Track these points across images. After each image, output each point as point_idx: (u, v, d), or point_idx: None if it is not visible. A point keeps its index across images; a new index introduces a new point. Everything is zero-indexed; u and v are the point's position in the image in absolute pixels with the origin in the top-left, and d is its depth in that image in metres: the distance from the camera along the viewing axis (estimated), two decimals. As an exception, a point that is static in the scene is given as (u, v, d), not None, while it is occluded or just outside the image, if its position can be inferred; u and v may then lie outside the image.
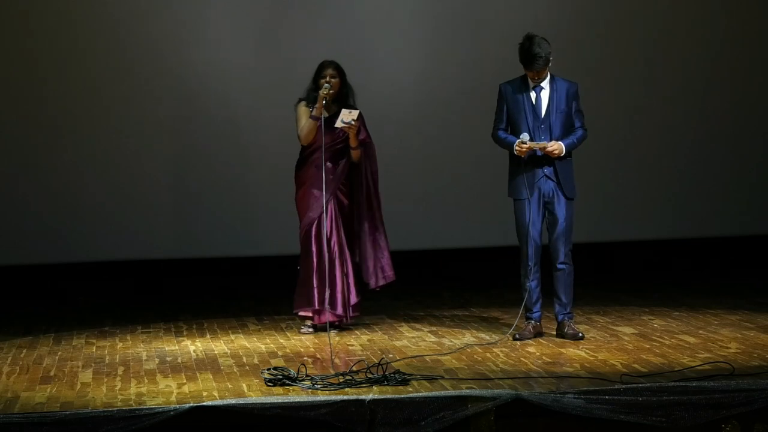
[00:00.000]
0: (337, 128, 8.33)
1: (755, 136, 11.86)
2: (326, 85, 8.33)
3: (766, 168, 11.88)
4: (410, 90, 11.23)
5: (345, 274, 8.45)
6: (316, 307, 8.40)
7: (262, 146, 11.02)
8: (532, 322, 8.08)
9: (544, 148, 7.85)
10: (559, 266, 8.01)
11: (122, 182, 10.92)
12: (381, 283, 8.61)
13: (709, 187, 11.78)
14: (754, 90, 11.84)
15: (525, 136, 7.87)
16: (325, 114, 8.41)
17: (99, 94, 10.87)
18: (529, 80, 7.97)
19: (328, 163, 8.43)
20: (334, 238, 8.45)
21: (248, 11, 11.07)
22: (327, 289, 8.34)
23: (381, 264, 8.60)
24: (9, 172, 10.76)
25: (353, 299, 8.50)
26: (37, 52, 10.78)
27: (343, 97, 8.46)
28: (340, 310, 8.40)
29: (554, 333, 8.07)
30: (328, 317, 8.33)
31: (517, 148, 7.89)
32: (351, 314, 8.52)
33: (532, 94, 7.96)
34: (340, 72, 8.45)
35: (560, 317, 8.06)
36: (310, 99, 8.47)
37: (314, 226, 8.47)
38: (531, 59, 7.83)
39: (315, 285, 8.39)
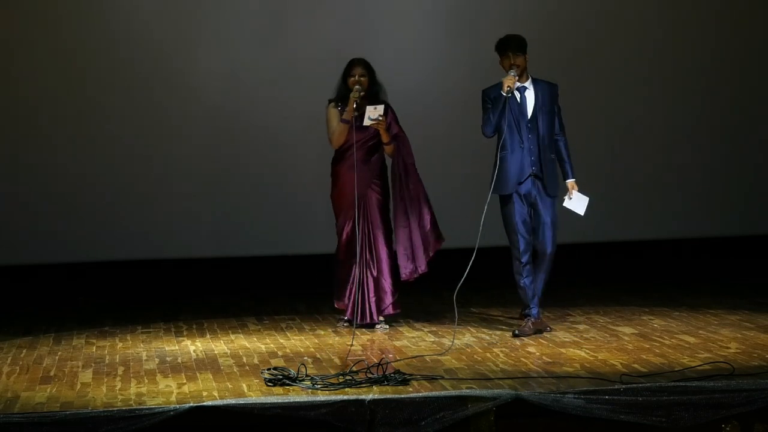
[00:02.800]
0: (366, 126, 8.34)
1: (756, 136, 11.86)
2: (357, 87, 8.34)
3: (766, 168, 11.88)
4: (415, 90, 11.22)
5: (375, 274, 8.49)
6: (346, 302, 8.54)
7: (263, 146, 11.01)
8: (531, 318, 8.14)
9: (574, 187, 8.24)
10: (542, 264, 8.17)
11: (122, 182, 10.92)
12: (411, 276, 8.63)
13: (710, 187, 11.78)
14: (755, 90, 11.83)
15: (512, 72, 8.01)
16: (355, 112, 8.41)
17: (98, 95, 10.87)
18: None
19: (362, 160, 8.44)
20: (365, 236, 8.48)
21: (253, 11, 11.06)
22: (354, 294, 8.42)
23: (413, 257, 8.60)
24: (9, 172, 10.76)
25: (389, 299, 8.55)
26: (36, 53, 10.79)
27: (373, 95, 8.44)
28: (367, 319, 8.49)
29: (553, 331, 8.16)
30: (358, 319, 8.43)
31: (507, 81, 7.97)
32: (378, 315, 8.55)
33: (517, 94, 8.08)
34: (369, 70, 8.46)
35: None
36: (340, 99, 8.47)
37: (348, 223, 8.50)
38: (504, 41, 8.09)
39: (347, 282, 8.48)
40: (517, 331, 8.10)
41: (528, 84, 8.12)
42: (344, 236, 8.57)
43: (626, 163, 11.65)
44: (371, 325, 8.52)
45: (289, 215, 10.97)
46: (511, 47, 8.07)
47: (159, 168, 10.99)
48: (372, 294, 8.51)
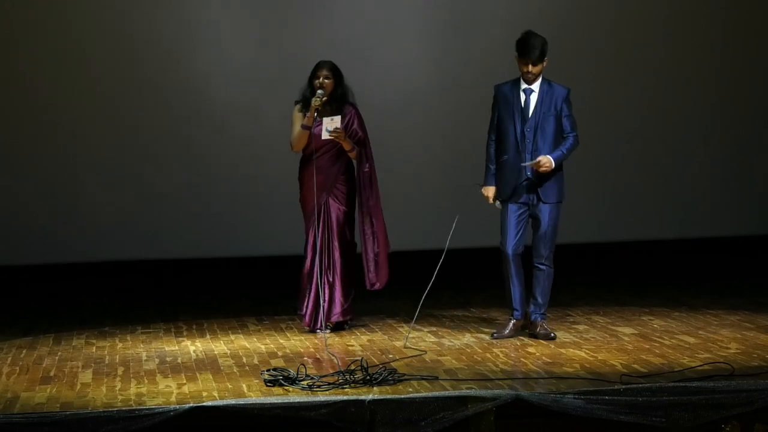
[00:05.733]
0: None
1: (756, 135, 11.86)
2: (319, 92, 8.22)
3: (766, 168, 11.88)
4: (413, 90, 11.23)
5: (329, 281, 8.40)
6: (302, 311, 8.47)
7: (262, 146, 11.02)
8: (513, 320, 8.12)
9: (537, 164, 7.90)
10: (539, 266, 8.04)
11: (122, 182, 10.93)
12: (372, 288, 8.53)
13: (710, 187, 11.78)
14: (756, 91, 11.84)
15: (498, 204, 8.10)
16: (317, 118, 8.30)
17: (99, 94, 10.88)
18: (522, 80, 7.99)
19: (325, 167, 8.36)
20: (322, 240, 8.38)
21: (251, 10, 11.07)
22: (311, 292, 8.36)
23: (369, 268, 8.50)
24: (9, 172, 10.76)
25: (338, 306, 8.42)
26: (37, 54, 10.79)
27: (338, 98, 8.34)
28: (318, 324, 8.37)
29: (553, 337, 8.11)
30: (308, 322, 8.39)
31: (484, 192, 8.15)
32: (341, 318, 8.45)
33: (522, 96, 8.00)
34: (335, 72, 8.33)
35: (533, 317, 8.08)
36: (305, 101, 8.37)
37: (311, 228, 8.44)
38: (526, 47, 7.90)
39: (306, 289, 8.43)
40: (495, 334, 8.10)
41: (535, 86, 7.98)
42: (306, 243, 8.46)
43: (627, 164, 11.65)
44: (339, 326, 8.46)
45: (289, 215, 10.96)
46: (530, 56, 7.88)
47: (159, 168, 11.00)
48: (326, 300, 8.39)
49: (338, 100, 8.34)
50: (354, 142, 8.39)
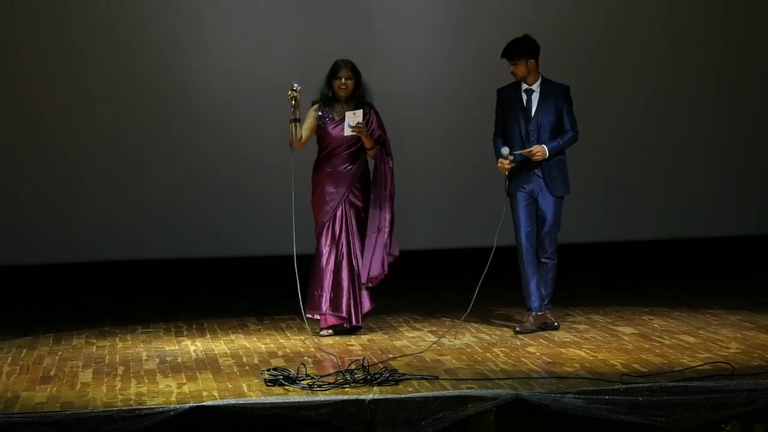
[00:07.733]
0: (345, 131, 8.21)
1: (756, 135, 11.86)
2: (292, 90, 8.09)
3: (766, 168, 11.88)
4: (416, 89, 11.23)
5: (353, 278, 8.32)
6: (323, 311, 8.29)
7: (262, 146, 11.02)
8: (532, 312, 8.21)
9: (529, 152, 8.05)
10: (543, 260, 8.21)
11: (122, 182, 10.93)
12: (365, 281, 8.37)
13: (710, 187, 11.79)
14: (756, 90, 11.83)
15: (505, 151, 8.08)
16: (335, 116, 8.26)
17: (99, 95, 10.88)
18: (522, 82, 8.15)
19: (344, 164, 8.31)
20: (343, 241, 8.31)
21: (253, 7, 11.06)
22: (331, 291, 8.27)
23: (371, 263, 8.35)
24: (9, 172, 10.77)
25: (366, 305, 8.36)
26: (37, 54, 10.79)
27: (358, 98, 8.25)
28: (344, 313, 8.26)
29: (560, 328, 8.26)
30: (331, 320, 8.26)
31: (498, 166, 8.12)
32: (361, 319, 8.34)
33: (524, 96, 8.16)
34: (355, 72, 8.24)
35: None
36: (325, 101, 8.27)
37: (326, 228, 8.35)
38: (506, 49, 8.10)
39: (323, 288, 8.28)
40: (518, 328, 8.17)
41: (535, 86, 8.15)
42: (321, 243, 8.35)
43: (627, 165, 11.66)
44: (356, 329, 8.33)
45: (289, 215, 10.96)
46: (508, 56, 8.10)
47: (160, 168, 11.00)
48: (347, 292, 8.28)
49: (358, 101, 8.25)
50: (374, 141, 8.31)
